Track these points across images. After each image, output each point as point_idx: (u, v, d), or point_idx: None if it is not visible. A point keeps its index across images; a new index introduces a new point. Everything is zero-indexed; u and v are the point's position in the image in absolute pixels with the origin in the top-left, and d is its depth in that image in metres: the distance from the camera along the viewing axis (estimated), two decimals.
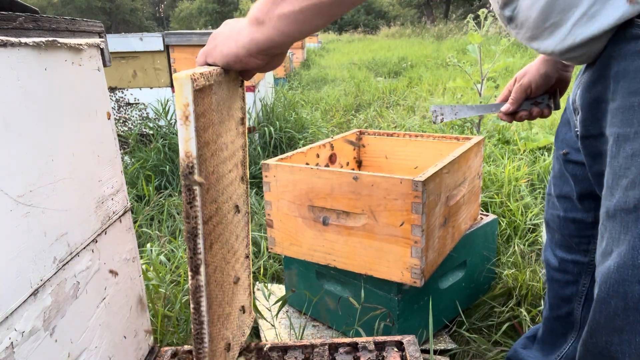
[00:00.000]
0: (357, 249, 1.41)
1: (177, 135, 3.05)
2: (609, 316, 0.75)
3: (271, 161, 1.50)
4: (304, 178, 1.43)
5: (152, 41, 3.08)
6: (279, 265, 2.04)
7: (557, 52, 0.81)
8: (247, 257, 1.03)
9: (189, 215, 0.69)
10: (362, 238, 1.39)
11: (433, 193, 1.33)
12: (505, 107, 1.16)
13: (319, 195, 1.43)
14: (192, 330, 0.74)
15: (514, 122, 1.21)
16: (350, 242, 1.42)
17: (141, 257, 1.89)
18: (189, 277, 0.72)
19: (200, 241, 0.71)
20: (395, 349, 1.15)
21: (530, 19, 0.81)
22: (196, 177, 0.68)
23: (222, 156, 0.82)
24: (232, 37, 0.78)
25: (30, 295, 0.72)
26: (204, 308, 0.73)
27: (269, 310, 1.66)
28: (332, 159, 1.87)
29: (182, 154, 0.68)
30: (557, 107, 1.15)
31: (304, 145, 3.29)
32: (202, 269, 0.72)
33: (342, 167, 1.96)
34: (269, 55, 0.79)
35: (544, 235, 1.34)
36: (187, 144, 0.67)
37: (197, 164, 0.68)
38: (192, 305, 0.72)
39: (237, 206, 0.93)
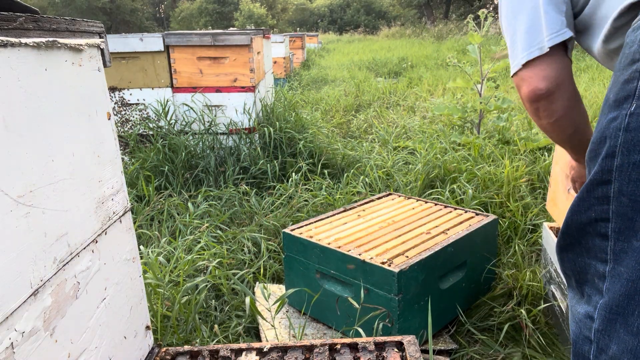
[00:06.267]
0: None
1: (176, 135, 3.05)
2: (561, 235, 0.90)
3: None
4: None
5: (152, 41, 3.08)
6: (279, 266, 2.04)
7: None
8: None
9: None
10: None
11: None
12: None
13: None
14: None
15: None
16: None
17: (141, 258, 1.89)
18: None
19: None
20: (396, 350, 1.15)
21: None
22: None
23: None
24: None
25: (30, 296, 0.72)
26: None
27: (269, 310, 1.66)
28: None
29: None
30: None
31: (304, 145, 3.28)
32: None
33: None
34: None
35: None
36: None
37: None
38: None
39: None
